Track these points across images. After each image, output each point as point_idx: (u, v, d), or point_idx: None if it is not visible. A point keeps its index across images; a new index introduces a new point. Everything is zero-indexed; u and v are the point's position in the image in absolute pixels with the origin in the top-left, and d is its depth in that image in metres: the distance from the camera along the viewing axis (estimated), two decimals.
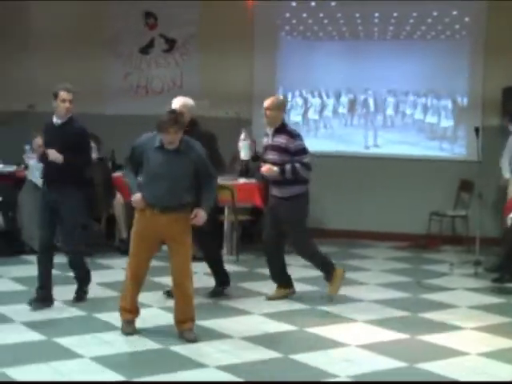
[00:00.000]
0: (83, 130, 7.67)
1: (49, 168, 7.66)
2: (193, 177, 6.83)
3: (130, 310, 7.01)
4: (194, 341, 6.76)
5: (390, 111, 12.20)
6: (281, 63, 12.48)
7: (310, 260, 8.44)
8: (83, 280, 8.04)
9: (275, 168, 7.98)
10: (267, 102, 8.14)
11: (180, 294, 6.90)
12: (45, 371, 5.93)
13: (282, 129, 8.11)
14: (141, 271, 6.98)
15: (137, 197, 6.80)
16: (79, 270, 8.00)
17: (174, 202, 6.75)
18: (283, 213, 8.14)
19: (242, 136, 10.51)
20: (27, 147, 10.96)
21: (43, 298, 7.63)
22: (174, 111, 6.89)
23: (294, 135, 8.08)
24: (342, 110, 12.36)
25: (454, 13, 11.77)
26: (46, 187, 7.71)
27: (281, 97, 8.28)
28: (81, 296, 7.99)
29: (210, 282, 8.44)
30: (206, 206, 6.86)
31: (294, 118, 12.38)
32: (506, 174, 10.57)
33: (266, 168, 8.05)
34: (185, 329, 6.86)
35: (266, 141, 8.25)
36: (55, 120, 7.68)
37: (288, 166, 7.93)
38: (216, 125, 11.24)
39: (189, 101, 8.01)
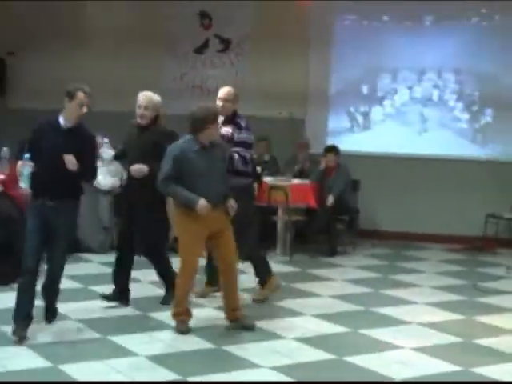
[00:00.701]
0: (94, 136, 7.06)
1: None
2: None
3: (186, 312, 7.08)
4: (253, 327, 7.05)
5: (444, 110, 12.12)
6: (335, 63, 12.45)
7: (249, 258, 8.14)
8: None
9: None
10: (224, 93, 7.98)
11: (232, 282, 7.09)
12: (100, 369, 6.00)
13: (231, 119, 7.95)
14: (196, 270, 7.09)
15: (203, 202, 6.77)
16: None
17: (220, 197, 6.94)
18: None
19: None
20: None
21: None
22: (208, 107, 7.04)
23: (241, 127, 7.91)
24: (392, 110, 12.30)
25: None
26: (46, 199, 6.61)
27: (234, 89, 8.02)
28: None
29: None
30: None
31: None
32: None
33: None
34: (239, 316, 7.09)
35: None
36: (63, 122, 6.69)
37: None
38: (269, 125, 11.31)
39: (155, 97, 7.84)
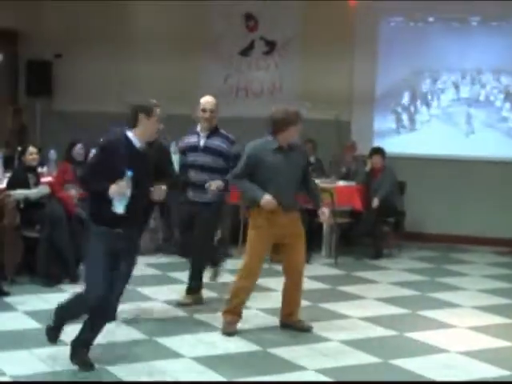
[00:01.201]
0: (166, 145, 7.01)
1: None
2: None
3: (238, 313, 7.09)
4: (310, 328, 7.12)
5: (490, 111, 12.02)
6: (381, 64, 12.40)
7: (196, 262, 7.92)
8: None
9: (219, 182, 7.58)
10: (211, 104, 7.77)
11: (297, 288, 7.12)
12: (147, 370, 6.05)
13: (217, 131, 7.83)
14: (259, 272, 7.08)
15: (268, 197, 6.77)
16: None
17: (293, 201, 6.96)
18: (205, 216, 7.71)
19: None
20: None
21: None
22: (288, 108, 6.96)
23: (232, 140, 7.79)
24: (438, 111, 12.23)
25: None
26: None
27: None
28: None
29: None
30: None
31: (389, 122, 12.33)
32: None
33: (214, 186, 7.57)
34: (297, 319, 7.15)
35: (195, 141, 7.80)
36: (138, 143, 5.95)
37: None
38: (315, 127, 11.29)
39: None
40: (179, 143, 8.11)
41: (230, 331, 7.00)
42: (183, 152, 7.90)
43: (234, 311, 7.07)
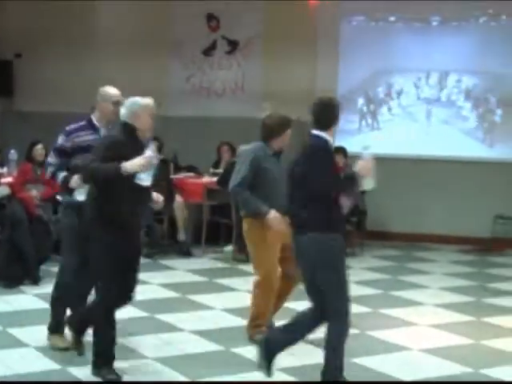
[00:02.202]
0: None
1: None
2: None
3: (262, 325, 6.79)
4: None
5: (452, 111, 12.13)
6: (343, 63, 12.45)
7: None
8: None
9: None
10: (118, 96, 6.41)
11: (291, 288, 6.90)
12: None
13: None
14: (277, 283, 6.77)
15: (276, 214, 6.50)
16: None
17: None
18: None
19: None
20: None
21: None
22: (281, 114, 6.91)
23: None
24: (400, 110, 12.31)
25: None
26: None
27: None
28: None
29: None
30: None
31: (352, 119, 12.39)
32: None
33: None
34: None
35: (93, 139, 6.36)
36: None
37: None
38: None
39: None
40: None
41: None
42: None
43: (261, 324, 6.79)
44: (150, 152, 5.70)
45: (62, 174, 6.34)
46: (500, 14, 11.85)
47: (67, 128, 6.43)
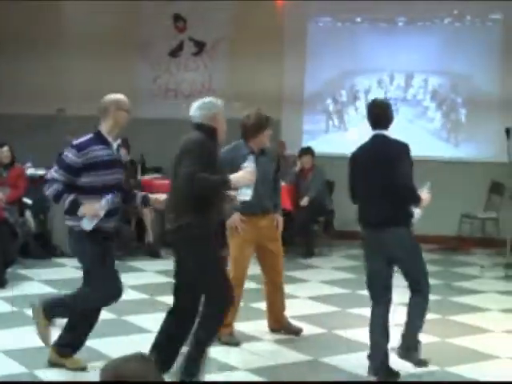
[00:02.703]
0: None
1: None
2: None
3: (230, 323, 6.86)
4: (300, 331, 7.16)
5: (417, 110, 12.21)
6: (310, 64, 12.51)
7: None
8: None
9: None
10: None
11: (280, 291, 7.15)
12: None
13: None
14: (243, 281, 6.93)
15: (236, 217, 6.74)
16: None
17: (270, 203, 6.95)
18: None
19: None
20: None
21: None
22: (260, 113, 6.91)
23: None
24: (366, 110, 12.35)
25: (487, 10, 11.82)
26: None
27: None
28: None
29: None
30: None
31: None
32: None
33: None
34: (286, 322, 7.20)
35: (106, 154, 5.93)
36: None
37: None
38: None
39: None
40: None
41: (236, 341, 6.85)
42: None
43: (230, 324, 6.87)
44: (252, 164, 5.64)
45: (69, 198, 5.79)
46: (465, 15, 11.97)
47: (76, 142, 5.84)
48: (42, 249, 10.26)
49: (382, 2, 11.94)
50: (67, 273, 9.49)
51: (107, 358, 6.36)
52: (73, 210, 5.79)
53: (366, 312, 7.86)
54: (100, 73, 12.57)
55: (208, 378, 5.98)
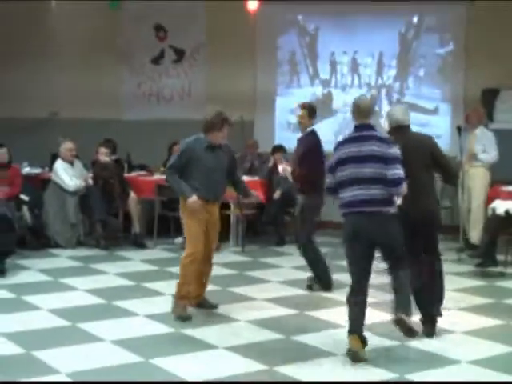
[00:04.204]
0: None
1: None
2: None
3: (189, 297, 7.12)
4: (217, 305, 7.35)
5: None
6: (280, 66, 12.59)
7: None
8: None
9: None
10: None
11: (208, 273, 7.28)
12: (72, 353, 6.04)
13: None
14: (202, 254, 7.06)
15: (194, 199, 6.91)
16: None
17: (223, 192, 7.23)
18: None
19: None
20: None
21: None
22: (220, 112, 7.08)
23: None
24: (330, 112, 12.45)
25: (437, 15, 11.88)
26: None
27: None
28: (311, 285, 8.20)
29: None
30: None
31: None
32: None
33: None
34: (205, 299, 7.36)
35: None
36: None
37: None
38: None
39: None
40: None
41: (185, 315, 6.97)
42: None
43: (186, 296, 7.06)
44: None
45: None
46: None
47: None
48: (37, 240, 10.26)
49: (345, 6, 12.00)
50: (61, 262, 9.51)
51: (95, 339, 6.39)
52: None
53: (334, 295, 7.98)
54: (88, 79, 12.54)
55: (193, 356, 6.02)
